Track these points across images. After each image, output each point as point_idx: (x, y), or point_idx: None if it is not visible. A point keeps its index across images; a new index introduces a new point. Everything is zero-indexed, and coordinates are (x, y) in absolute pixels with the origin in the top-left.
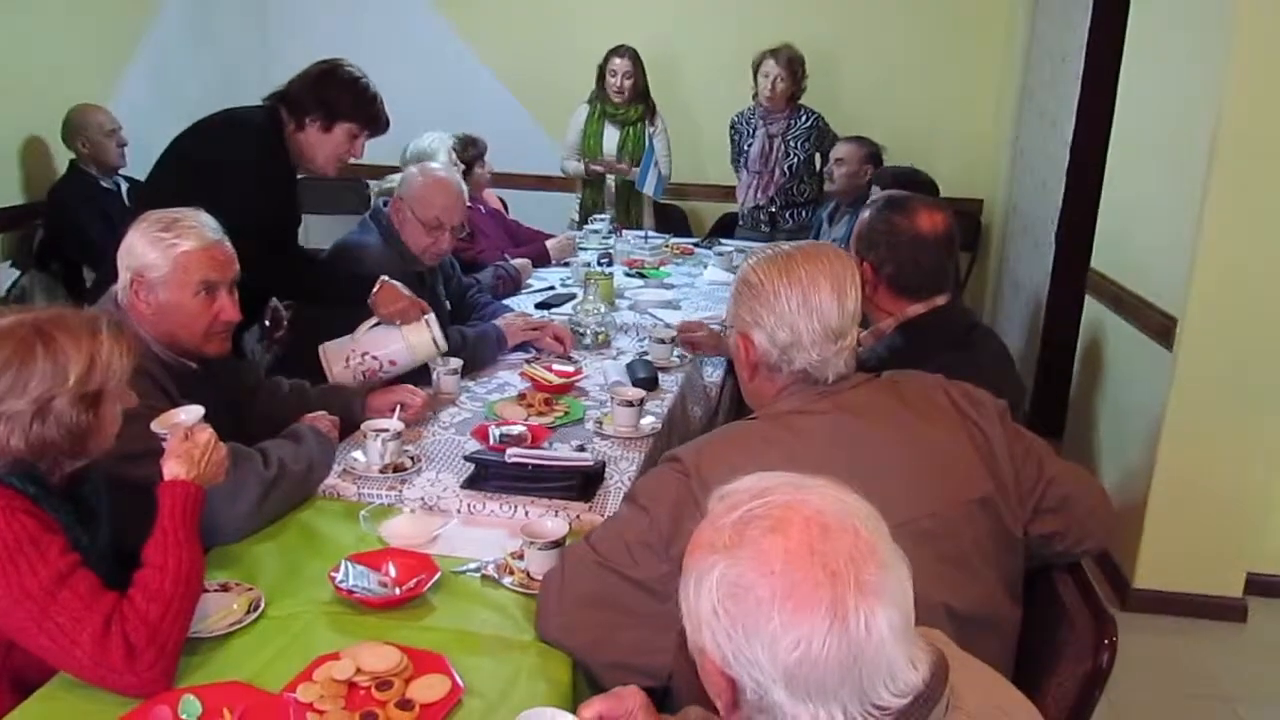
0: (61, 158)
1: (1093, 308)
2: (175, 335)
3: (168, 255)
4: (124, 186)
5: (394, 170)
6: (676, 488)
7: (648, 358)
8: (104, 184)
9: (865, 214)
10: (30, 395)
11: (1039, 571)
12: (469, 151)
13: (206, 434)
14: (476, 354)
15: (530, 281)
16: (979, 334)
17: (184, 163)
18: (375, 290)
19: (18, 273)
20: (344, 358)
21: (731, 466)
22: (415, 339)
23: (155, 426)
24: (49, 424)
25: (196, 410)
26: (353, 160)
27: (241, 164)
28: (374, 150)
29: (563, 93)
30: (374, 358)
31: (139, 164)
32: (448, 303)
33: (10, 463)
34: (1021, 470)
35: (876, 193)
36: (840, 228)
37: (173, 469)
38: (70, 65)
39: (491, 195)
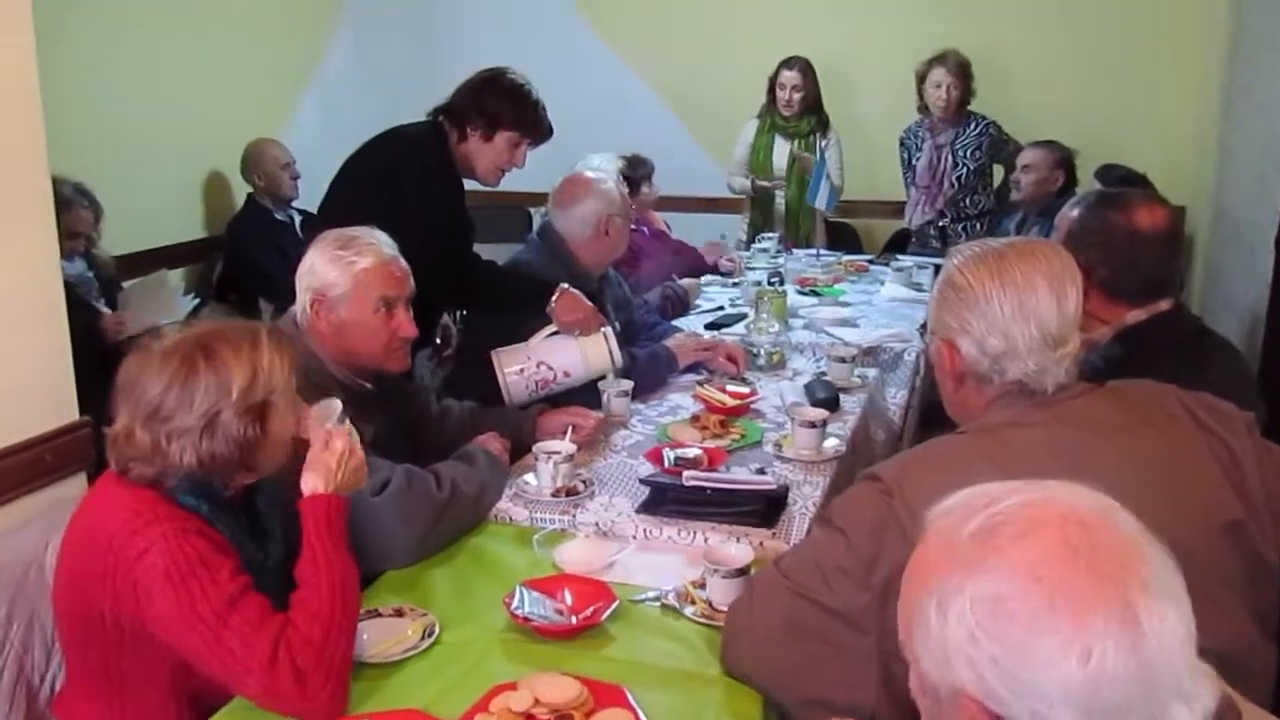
0: (240, 191)
1: None
2: (356, 353)
3: (347, 273)
4: (297, 219)
5: None
6: (877, 508)
7: (827, 378)
8: (278, 216)
9: (1074, 212)
10: (197, 410)
11: None
12: (637, 171)
13: (342, 441)
14: (647, 375)
15: (698, 302)
16: (1211, 343)
17: (356, 181)
18: (555, 298)
19: (197, 302)
20: (518, 365)
21: (938, 484)
22: (592, 352)
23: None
24: (218, 438)
25: (334, 406)
26: (515, 170)
27: (412, 173)
28: (538, 177)
29: (725, 111)
30: (549, 367)
31: (309, 196)
32: (616, 324)
33: (185, 478)
34: (1275, 490)
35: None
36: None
37: (311, 482)
38: (247, 100)
39: (656, 216)
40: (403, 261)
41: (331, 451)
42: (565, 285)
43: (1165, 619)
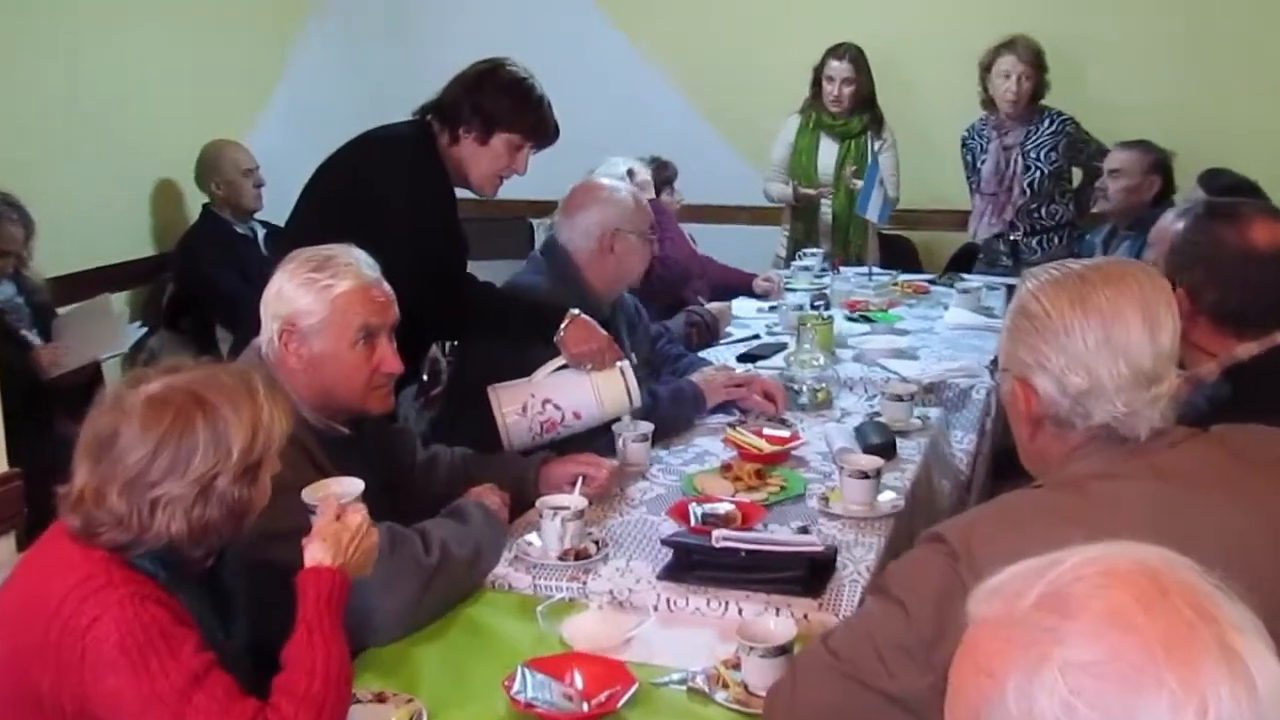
0: (195, 202)
1: None
2: (332, 392)
3: (323, 299)
4: (260, 233)
5: None
6: (941, 574)
7: (880, 419)
8: (239, 230)
9: (1178, 225)
10: (192, 475)
11: None
12: (658, 175)
13: (360, 516)
14: (670, 416)
15: (729, 330)
16: None
17: (330, 191)
18: (564, 325)
19: (144, 331)
20: (520, 403)
21: (1013, 547)
22: (607, 389)
23: (306, 496)
24: (211, 505)
25: (355, 485)
26: (516, 176)
27: (396, 182)
28: (541, 184)
29: (760, 107)
30: (556, 407)
31: (276, 208)
32: (633, 356)
33: (162, 547)
34: None
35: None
36: (1119, 256)
37: (316, 553)
38: (205, 97)
39: (682, 231)
40: (386, 285)
41: (345, 525)
42: (575, 311)
43: (1266, 660)
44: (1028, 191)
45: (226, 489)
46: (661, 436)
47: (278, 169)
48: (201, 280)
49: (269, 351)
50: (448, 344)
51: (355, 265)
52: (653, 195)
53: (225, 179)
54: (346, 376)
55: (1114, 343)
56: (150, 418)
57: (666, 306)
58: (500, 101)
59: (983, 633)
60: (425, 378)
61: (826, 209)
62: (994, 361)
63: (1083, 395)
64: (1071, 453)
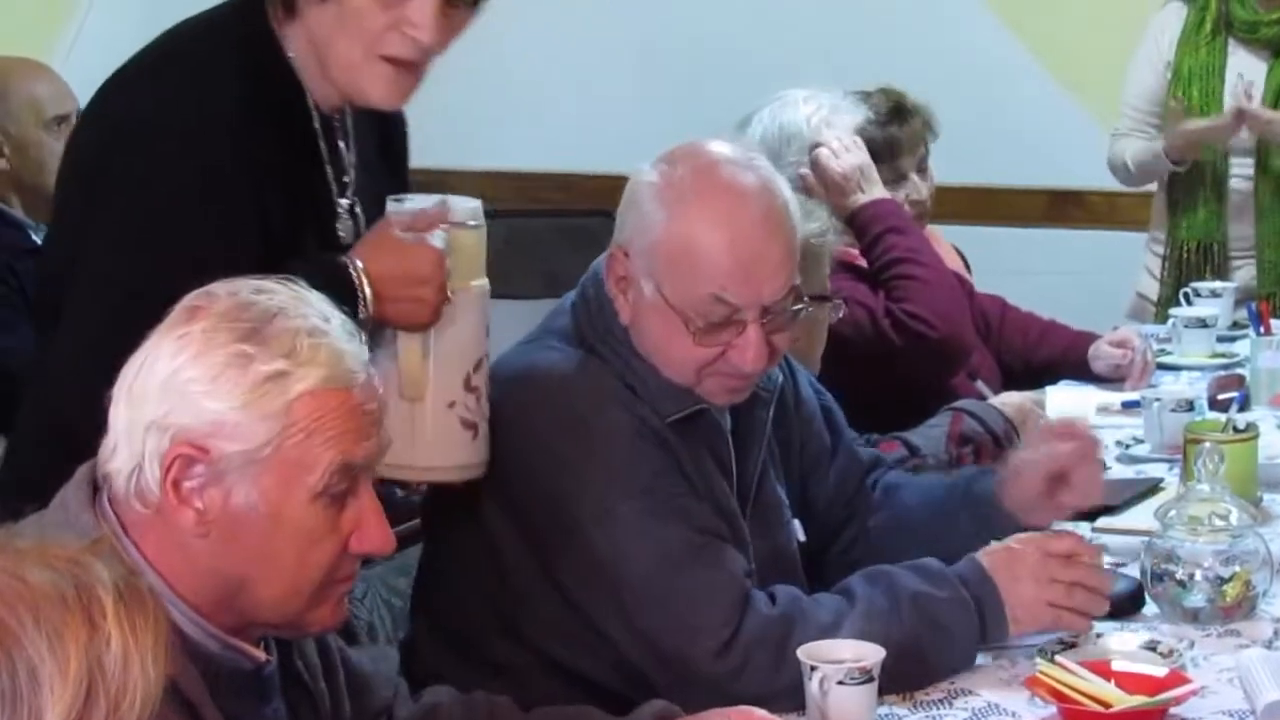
0: None
1: None
2: (253, 588)
3: (274, 401)
4: None
5: None
6: None
7: None
8: (36, 237)
9: None
10: None
11: None
12: (889, 125)
13: None
14: (914, 642)
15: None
16: None
17: (81, 165)
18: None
19: None
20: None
21: None
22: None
23: None
24: None
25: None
26: (417, 39)
27: (170, 126)
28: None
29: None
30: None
31: None
32: (796, 525)
33: None
34: None
35: None
36: None
37: None
38: None
39: (945, 245)
40: (377, 376)
41: None
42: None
43: None
44: None
45: None
46: (903, 681)
47: None
48: None
49: (131, 496)
50: None
51: (330, 332)
52: None
53: (16, 135)
54: (292, 562)
55: None
56: None
57: (894, 397)
58: None
59: None
60: None
61: (1243, 198)
62: None
63: None
64: None
